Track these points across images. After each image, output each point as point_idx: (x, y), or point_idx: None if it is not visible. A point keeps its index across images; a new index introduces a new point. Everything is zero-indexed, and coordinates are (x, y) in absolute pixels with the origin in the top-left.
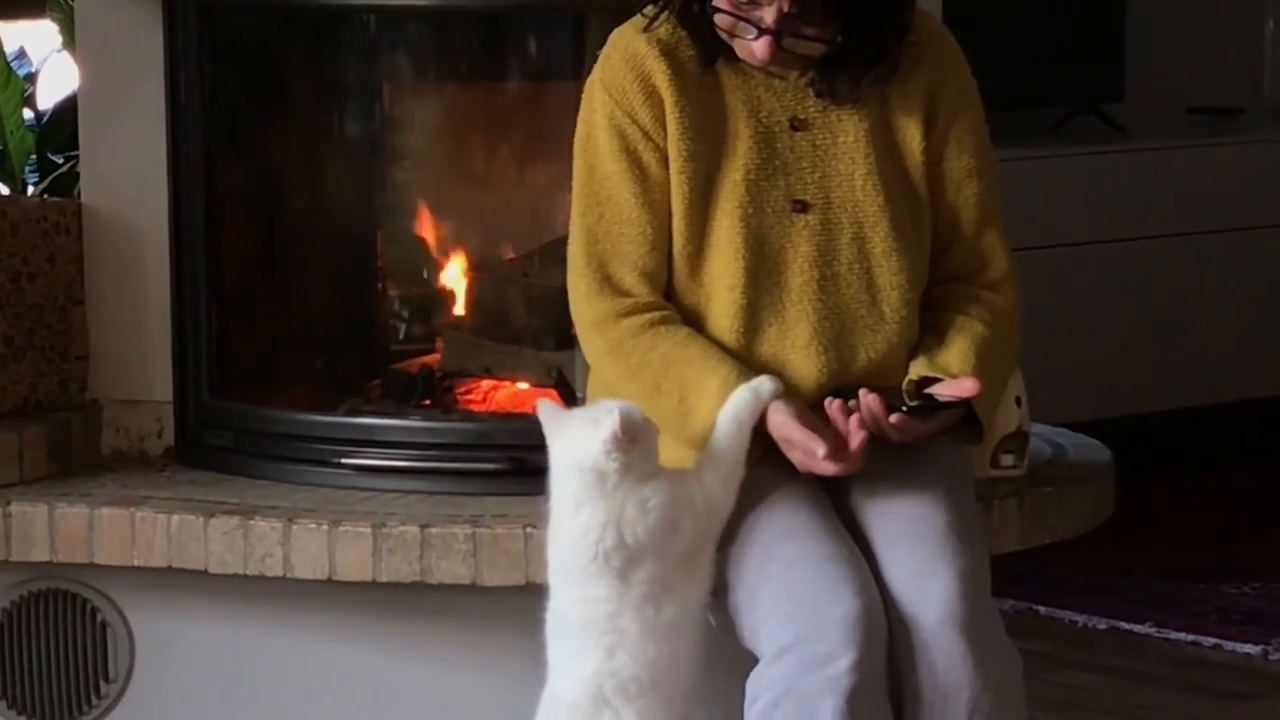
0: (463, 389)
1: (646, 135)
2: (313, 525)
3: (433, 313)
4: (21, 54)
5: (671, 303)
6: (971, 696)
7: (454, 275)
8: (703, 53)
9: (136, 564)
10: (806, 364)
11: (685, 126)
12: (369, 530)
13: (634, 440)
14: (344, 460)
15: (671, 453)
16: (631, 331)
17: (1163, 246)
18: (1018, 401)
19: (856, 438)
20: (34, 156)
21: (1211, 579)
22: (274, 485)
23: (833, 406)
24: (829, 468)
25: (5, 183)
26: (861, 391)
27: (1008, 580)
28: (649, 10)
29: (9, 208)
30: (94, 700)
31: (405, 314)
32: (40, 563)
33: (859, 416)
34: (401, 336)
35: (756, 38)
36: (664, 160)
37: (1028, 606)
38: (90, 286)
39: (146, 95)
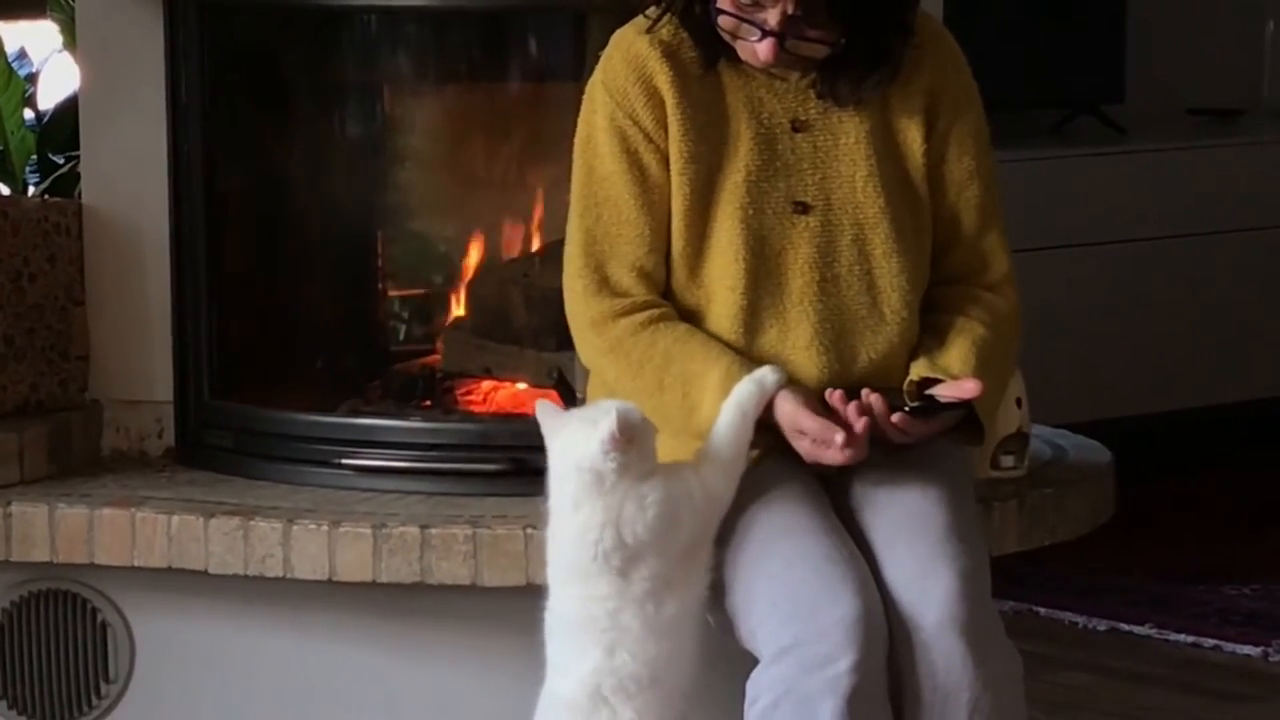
0: (463, 390)
1: (647, 136)
2: (313, 526)
3: (433, 313)
4: (22, 54)
5: (671, 304)
6: (971, 697)
7: (454, 276)
8: (704, 54)
9: (137, 564)
10: (807, 365)
11: (687, 128)
12: (369, 531)
13: (631, 440)
14: (344, 461)
15: (673, 448)
16: (630, 330)
17: (1163, 248)
18: (1018, 403)
19: (859, 424)
20: (34, 157)
21: (1211, 580)
22: (274, 486)
23: (834, 396)
24: (839, 456)
25: (6, 183)
26: (864, 391)
27: (1007, 581)
28: (651, 12)
29: (10, 208)
30: (94, 701)
31: (405, 314)
32: (40, 563)
33: (858, 404)
34: (402, 337)
35: (760, 39)
36: (664, 162)
37: (1027, 607)
38: (91, 287)
39: (147, 95)
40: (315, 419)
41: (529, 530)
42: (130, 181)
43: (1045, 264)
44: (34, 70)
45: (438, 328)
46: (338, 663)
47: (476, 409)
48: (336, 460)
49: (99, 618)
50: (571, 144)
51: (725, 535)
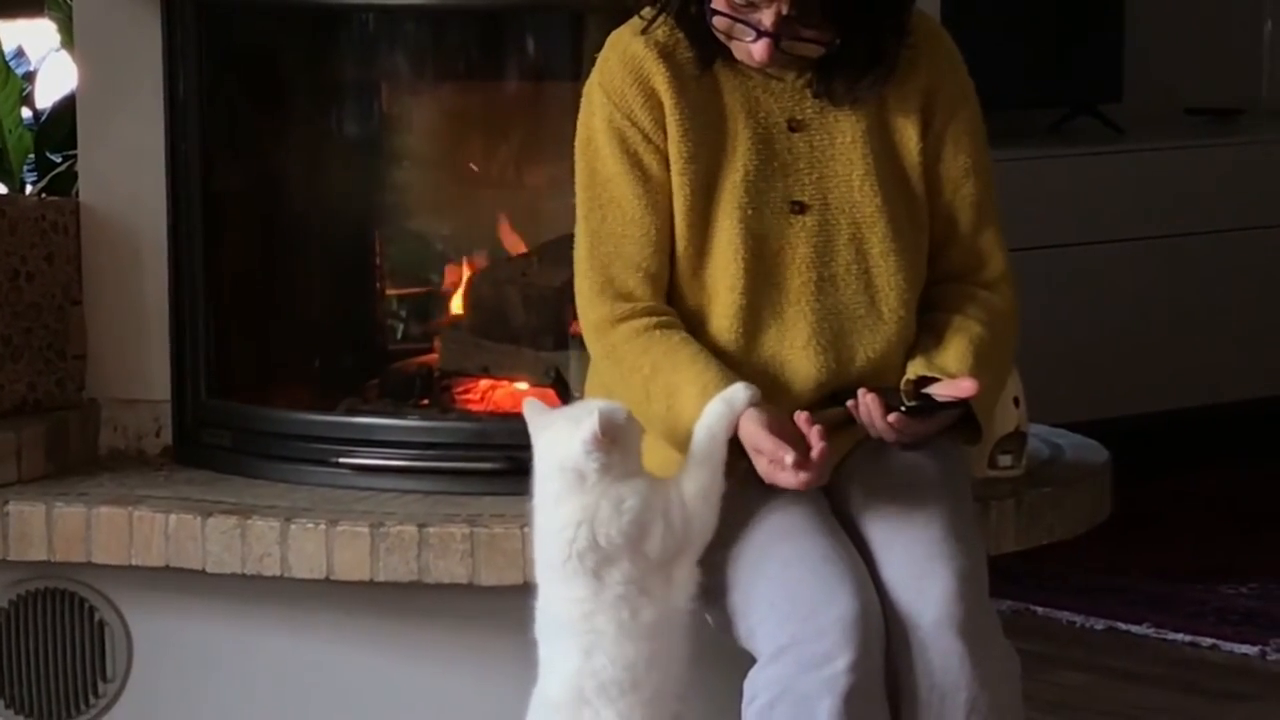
0: (461, 389)
1: (646, 137)
2: (310, 525)
3: (431, 312)
4: (20, 53)
5: (673, 304)
6: (969, 697)
7: (452, 275)
8: (700, 54)
9: (134, 563)
10: (805, 364)
11: (685, 129)
12: (367, 530)
13: (614, 441)
14: (342, 460)
15: (665, 458)
16: (627, 336)
17: (1160, 247)
18: (1015, 402)
19: (817, 447)
20: (32, 155)
21: (1209, 579)
22: (272, 485)
23: (800, 417)
24: (791, 479)
25: (3, 181)
26: (860, 391)
27: (1005, 580)
28: (647, 12)
29: (7, 206)
30: (91, 700)
31: (403, 313)
32: (38, 562)
33: (819, 429)
34: (399, 336)
35: (755, 40)
36: (664, 162)
37: (1025, 606)
38: (88, 285)
39: (145, 94)
40: (313, 418)
41: (526, 529)
42: (128, 180)
43: (1043, 263)
44: (31, 69)
45: (435, 326)
46: (335, 661)
47: (474, 408)
48: (334, 459)
49: (96, 617)
50: (569, 144)
51: (724, 536)
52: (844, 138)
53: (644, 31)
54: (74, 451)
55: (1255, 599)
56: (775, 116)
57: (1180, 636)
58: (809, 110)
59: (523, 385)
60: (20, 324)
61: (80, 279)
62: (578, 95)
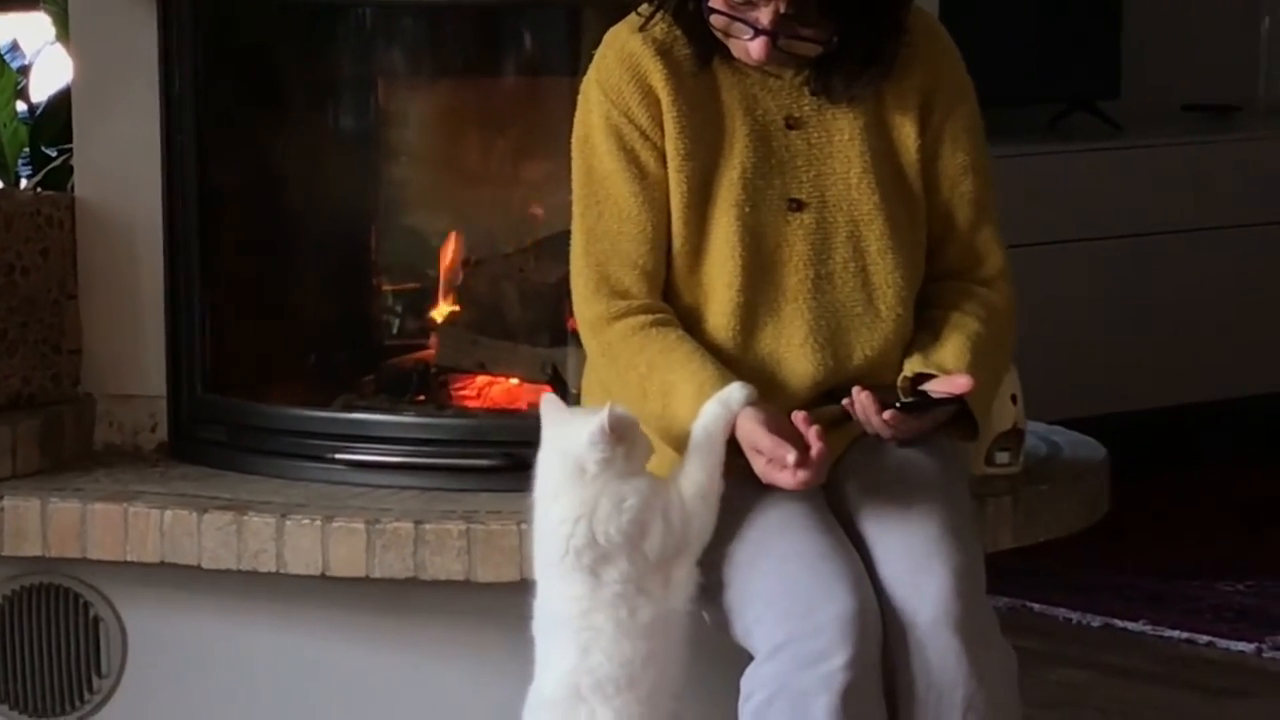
0: (457, 385)
1: (644, 134)
2: (306, 521)
3: (427, 308)
4: (15, 46)
5: (670, 301)
6: (966, 694)
7: (448, 270)
8: (698, 52)
9: (129, 559)
10: (802, 362)
11: (682, 126)
12: (362, 526)
13: (620, 438)
14: (338, 456)
15: (659, 455)
16: (622, 334)
17: (1158, 243)
18: (1013, 399)
19: (815, 446)
20: (27, 149)
21: (1205, 576)
22: (267, 481)
23: (797, 417)
24: (789, 479)
25: None
26: (855, 389)
27: (1001, 577)
28: (644, 9)
29: (2, 201)
30: (86, 695)
31: (399, 309)
32: (33, 557)
33: (818, 428)
34: (396, 332)
35: (752, 38)
36: (662, 159)
37: (1021, 603)
38: (83, 280)
39: (140, 88)
40: (309, 414)
41: (523, 526)
42: (123, 175)
43: (1040, 260)
44: (26, 62)
45: (432, 322)
46: (331, 658)
47: (470, 404)
48: (330, 455)
49: (91, 612)
50: (566, 140)
51: (720, 533)
52: (842, 135)
53: (641, 29)
54: (69, 447)
55: (1252, 596)
56: (773, 114)
57: (1177, 633)
58: (806, 108)
59: (518, 381)
60: (15, 318)
61: (75, 274)
62: (575, 91)
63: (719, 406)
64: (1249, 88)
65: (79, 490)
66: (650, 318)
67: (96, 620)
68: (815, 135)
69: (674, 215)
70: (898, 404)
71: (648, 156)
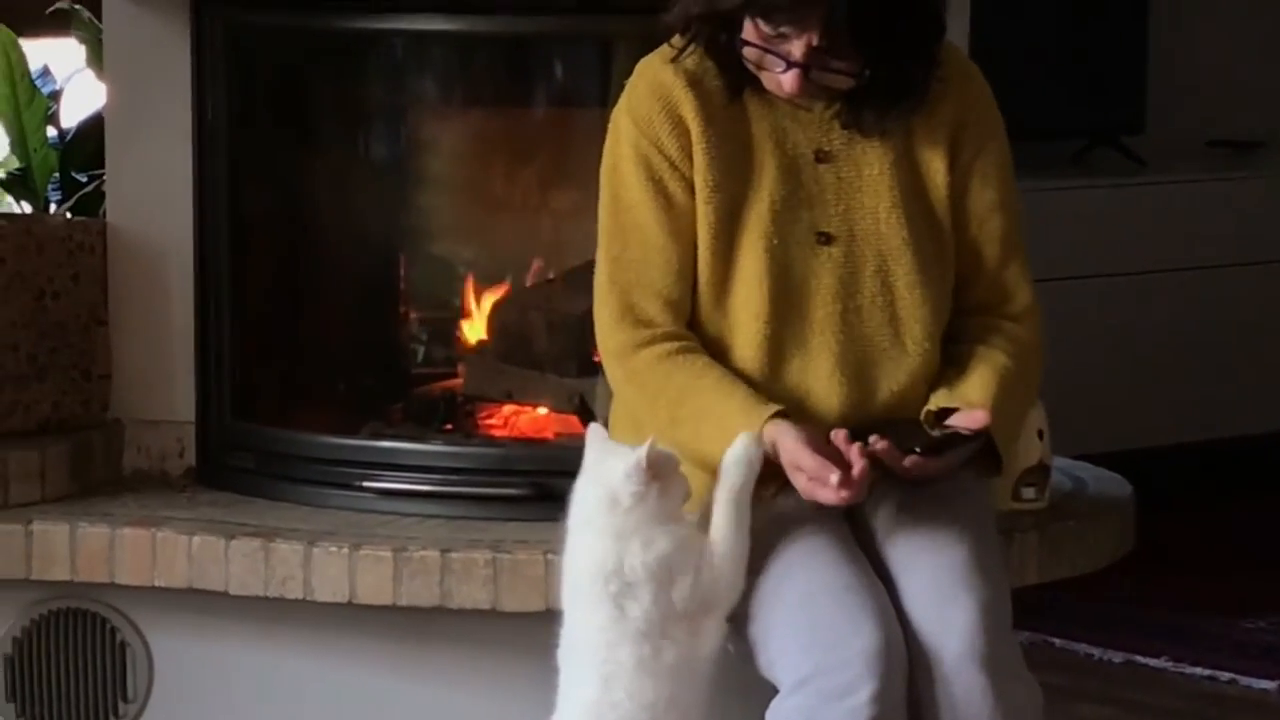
0: (484, 414)
1: (672, 165)
2: (333, 548)
3: (455, 337)
4: (46, 72)
5: (695, 332)
6: None
7: (477, 300)
8: (729, 83)
9: (157, 584)
10: (829, 395)
11: (712, 157)
12: (389, 554)
13: (657, 475)
14: (365, 484)
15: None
16: (649, 362)
17: (1182, 279)
18: (1039, 434)
19: (858, 466)
20: (56, 175)
21: (1228, 613)
22: (295, 508)
23: (838, 436)
24: (832, 496)
25: (28, 200)
26: (873, 438)
27: (1023, 612)
28: (677, 41)
29: (35, 226)
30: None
31: (427, 338)
32: (60, 582)
33: (859, 446)
34: (423, 360)
35: (785, 70)
36: (689, 190)
37: (1043, 639)
38: (114, 306)
39: (173, 115)
40: (337, 441)
41: (549, 555)
42: (155, 201)
43: (1064, 295)
44: (57, 88)
45: (460, 351)
46: (357, 685)
47: (498, 433)
48: (357, 483)
49: (118, 637)
50: (596, 170)
51: (749, 567)
52: (871, 169)
53: (673, 60)
54: (98, 472)
55: (1274, 634)
56: (802, 147)
57: (1199, 670)
58: (836, 141)
59: (546, 411)
60: (46, 344)
61: (106, 299)
62: (605, 122)
63: (741, 467)
64: (1273, 124)
65: (107, 515)
66: (676, 345)
67: (123, 645)
68: (845, 169)
69: (701, 246)
70: (918, 449)
71: (675, 187)
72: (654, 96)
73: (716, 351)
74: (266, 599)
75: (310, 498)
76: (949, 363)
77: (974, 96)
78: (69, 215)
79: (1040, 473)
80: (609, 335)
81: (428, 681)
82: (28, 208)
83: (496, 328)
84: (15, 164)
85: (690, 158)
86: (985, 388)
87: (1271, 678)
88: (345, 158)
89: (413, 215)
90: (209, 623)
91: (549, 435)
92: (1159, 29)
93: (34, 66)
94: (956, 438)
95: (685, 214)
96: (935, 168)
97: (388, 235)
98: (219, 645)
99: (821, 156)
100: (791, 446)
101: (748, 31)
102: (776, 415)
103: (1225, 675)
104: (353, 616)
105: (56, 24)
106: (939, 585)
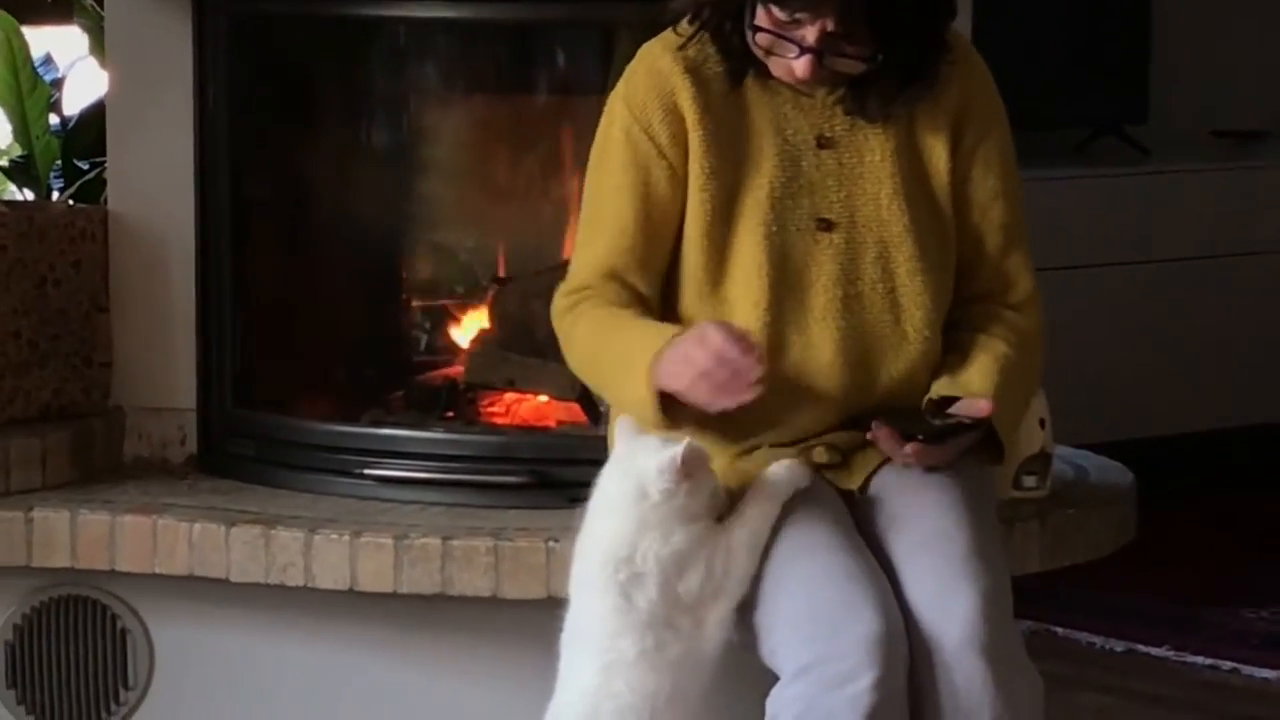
0: (486, 401)
1: (660, 152)
2: (334, 536)
3: (457, 325)
4: (48, 60)
5: (688, 319)
6: (993, 717)
7: (479, 287)
8: (731, 70)
9: (158, 571)
10: (830, 382)
11: (708, 144)
12: (390, 541)
13: (689, 476)
14: (366, 471)
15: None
16: (571, 319)
17: (1185, 269)
18: (1041, 423)
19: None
20: (59, 162)
21: (1230, 603)
22: (296, 495)
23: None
24: (729, 402)
25: (31, 188)
26: (875, 423)
27: (1024, 600)
28: (683, 29)
29: (36, 213)
30: (113, 707)
31: (429, 325)
32: (61, 569)
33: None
34: (425, 348)
35: (798, 56)
36: (675, 180)
37: (1044, 627)
38: (115, 293)
39: (175, 103)
40: (338, 429)
41: (551, 543)
42: (157, 189)
43: (1067, 284)
44: (59, 76)
45: (461, 339)
46: (357, 673)
47: (499, 421)
48: (358, 470)
49: (119, 624)
50: None
51: None
52: (873, 155)
53: (681, 48)
54: (99, 459)
55: (1276, 623)
56: (804, 133)
57: (1201, 660)
58: (839, 127)
59: (547, 399)
60: (47, 330)
61: (107, 287)
62: None
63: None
64: (1276, 113)
65: (108, 502)
66: (594, 300)
67: (124, 632)
68: (846, 155)
69: (696, 234)
70: (919, 436)
71: (660, 175)
72: (651, 83)
73: None
74: (267, 586)
75: (311, 485)
76: (950, 350)
77: (976, 83)
78: (71, 202)
79: (1042, 461)
80: (554, 302)
81: (428, 669)
82: (30, 195)
83: (498, 315)
84: (18, 151)
85: (681, 146)
86: (987, 376)
87: (1273, 667)
88: (346, 145)
89: (414, 202)
90: (210, 610)
91: (550, 423)
92: (1163, 18)
93: (36, 54)
94: (958, 426)
95: (664, 204)
96: (937, 154)
97: (389, 222)
98: (220, 633)
99: (824, 142)
100: (718, 337)
101: (760, 17)
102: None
103: (1227, 664)
104: (354, 604)
105: (59, 12)
106: (940, 573)
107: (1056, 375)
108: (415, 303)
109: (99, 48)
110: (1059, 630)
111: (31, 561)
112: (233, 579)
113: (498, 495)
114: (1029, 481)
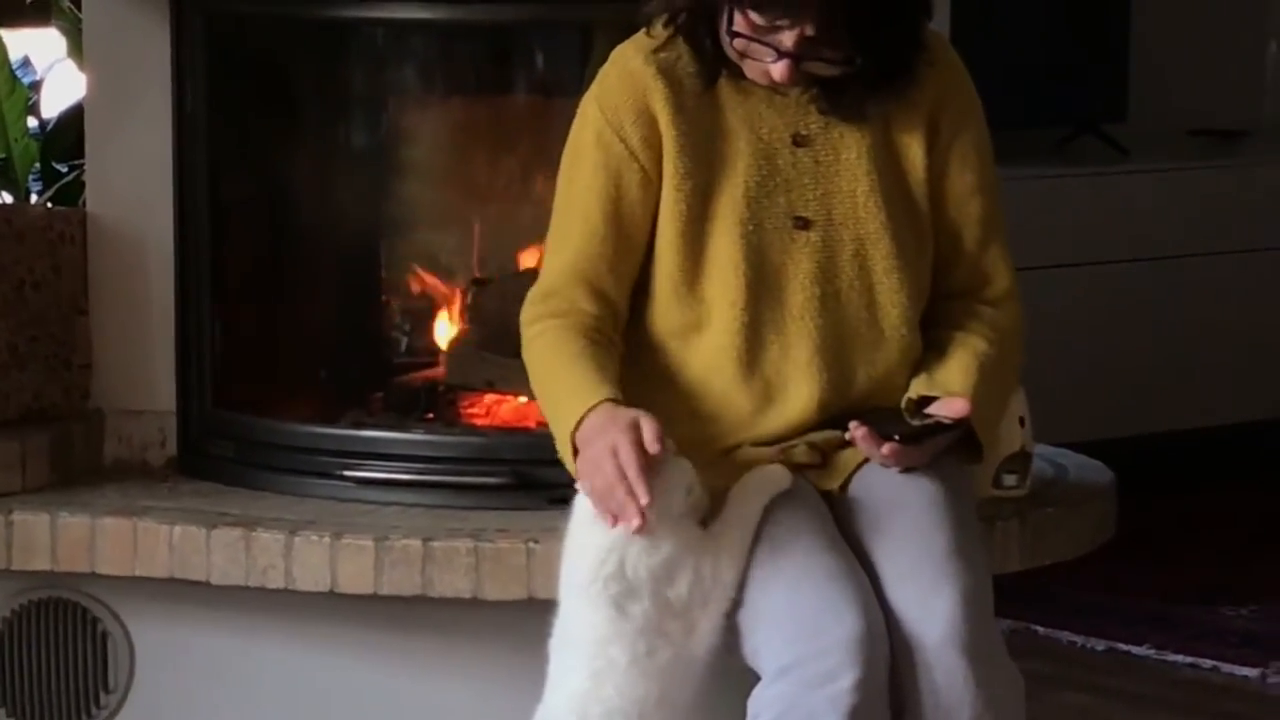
0: (466, 403)
1: (632, 155)
2: (315, 537)
3: (436, 326)
4: (26, 62)
5: (663, 319)
6: (973, 716)
7: (458, 289)
8: (705, 72)
9: (138, 574)
10: (808, 381)
11: (682, 145)
12: (371, 543)
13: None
14: (347, 473)
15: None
16: (533, 335)
17: (1164, 267)
18: (1021, 422)
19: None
20: (37, 165)
21: (1210, 601)
22: (276, 497)
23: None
24: (630, 521)
25: (9, 191)
26: (852, 424)
27: (1005, 600)
28: (657, 32)
29: (14, 216)
30: (93, 710)
31: (409, 327)
32: (41, 572)
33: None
34: (405, 349)
35: (775, 60)
36: (646, 184)
37: (1026, 626)
38: (94, 295)
39: (153, 105)
40: (318, 430)
41: (531, 544)
42: (135, 191)
43: (1046, 283)
44: (38, 78)
45: (441, 340)
46: (339, 675)
47: (479, 422)
48: (339, 472)
49: (99, 627)
50: None
51: None
52: (849, 153)
53: (656, 50)
54: (78, 461)
55: (1256, 621)
56: (779, 131)
57: (1181, 658)
58: (814, 125)
59: (527, 400)
60: (26, 333)
61: (87, 289)
62: None
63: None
64: (1255, 112)
65: (88, 505)
66: (559, 321)
67: (104, 635)
68: (822, 153)
69: (671, 234)
70: (897, 436)
71: (631, 178)
72: (623, 85)
73: (691, 338)
74: (248, 588)
75: (291, 487)
76: (929, 348)
77: (952, 80)
78: (49, 205)
79: (1022, 460)
80: (524, 308)
81: (409, 670)
82: (8, 198)
83: (478, 316)
84: None
85: (654, 149)
86: (965, 375)
87: (1253, 665)
88: (325, 146)
89: (393, 204)
90: (190, 612)
91: (530, 424)
92: (1142, 17)
93: (14, 57)
94: (936, 426)
95: (635, 207)
96: (913, 151)
97: (368, 224)
98: (200, 635)
99: (799, 140)
100: (628, 457)
101: (738, 23)
102: (606, 402)
103: (1207, 663)
104: (334, 606)
105: (37, 14)
106: (920, 572)
107: (1037, 374)
108: (394, 304)
109: (77, 50)
110: (1040, 629)
111: (11, 565)
112: (213, 581)
113: (478, 496)
114: (1009, 480)
